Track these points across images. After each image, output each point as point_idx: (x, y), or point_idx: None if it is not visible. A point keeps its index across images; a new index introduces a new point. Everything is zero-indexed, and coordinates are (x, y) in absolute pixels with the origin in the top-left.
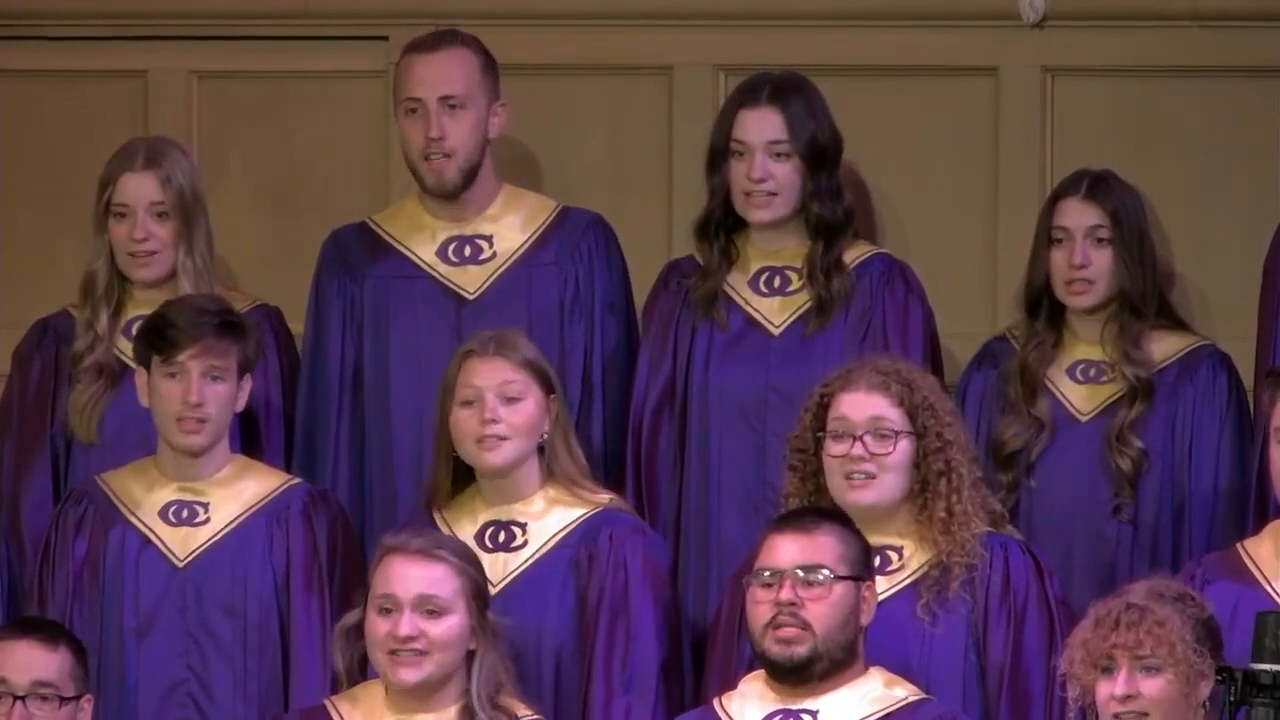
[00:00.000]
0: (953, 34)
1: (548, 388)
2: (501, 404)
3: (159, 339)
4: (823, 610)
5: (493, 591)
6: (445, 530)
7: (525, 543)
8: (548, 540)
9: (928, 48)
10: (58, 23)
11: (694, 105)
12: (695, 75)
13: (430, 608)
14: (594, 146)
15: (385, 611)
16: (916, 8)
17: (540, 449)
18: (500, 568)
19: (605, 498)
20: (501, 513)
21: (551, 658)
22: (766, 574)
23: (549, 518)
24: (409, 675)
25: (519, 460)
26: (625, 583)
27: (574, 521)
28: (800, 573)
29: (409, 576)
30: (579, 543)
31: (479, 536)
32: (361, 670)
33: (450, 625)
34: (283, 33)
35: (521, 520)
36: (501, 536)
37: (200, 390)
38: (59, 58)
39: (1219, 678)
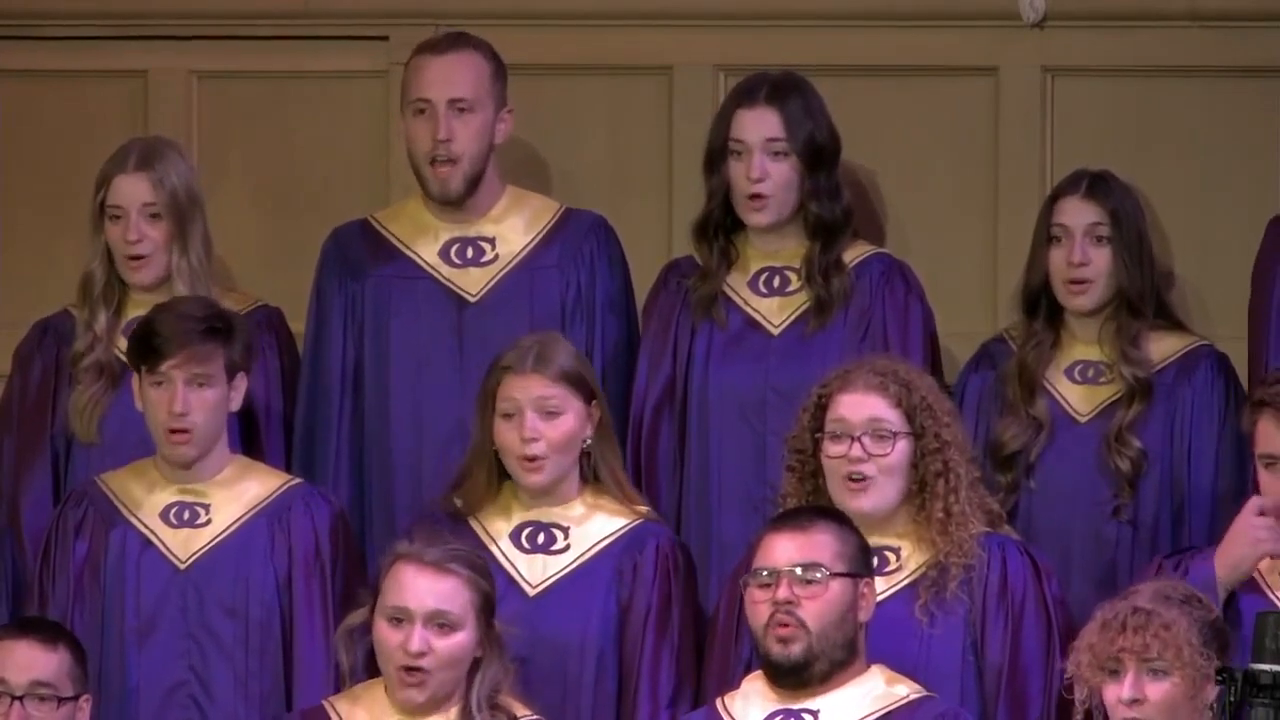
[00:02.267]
0: (953, 34)
1: (588, 395)
2: (540, 419)
3: (144, 348)
4: (818, 608)
5: (531, 593)
6: (478, 529)
7: (567, 546)
8: (591, 546)
9: (928, 48)
10: (58, 23)
11: (694, 105)
12: (695, 75)
13: (441, 622)
14: (594, 146)
15: (396, 622)
16: (916, 8)
17: (586, 453)
18: (540, 569)
19: (644, 508)
20: (541, 514)
21: (592, 664)
22: (764, 574)
23: (591, 523)
24: (416, 695)
25: (560, 477)
26: (669, 596)
27: (618, 530)
28: (797, 571)
29: (421, 590)
30: (623, 552)
31: (515, 535)
32: (366, 668)
33: (459, 641)
34: (283, 33)
35: (563, 524)
36: (541, 538)
37: (185, 400)
38: (59, 58)
39: (1219, 678)
